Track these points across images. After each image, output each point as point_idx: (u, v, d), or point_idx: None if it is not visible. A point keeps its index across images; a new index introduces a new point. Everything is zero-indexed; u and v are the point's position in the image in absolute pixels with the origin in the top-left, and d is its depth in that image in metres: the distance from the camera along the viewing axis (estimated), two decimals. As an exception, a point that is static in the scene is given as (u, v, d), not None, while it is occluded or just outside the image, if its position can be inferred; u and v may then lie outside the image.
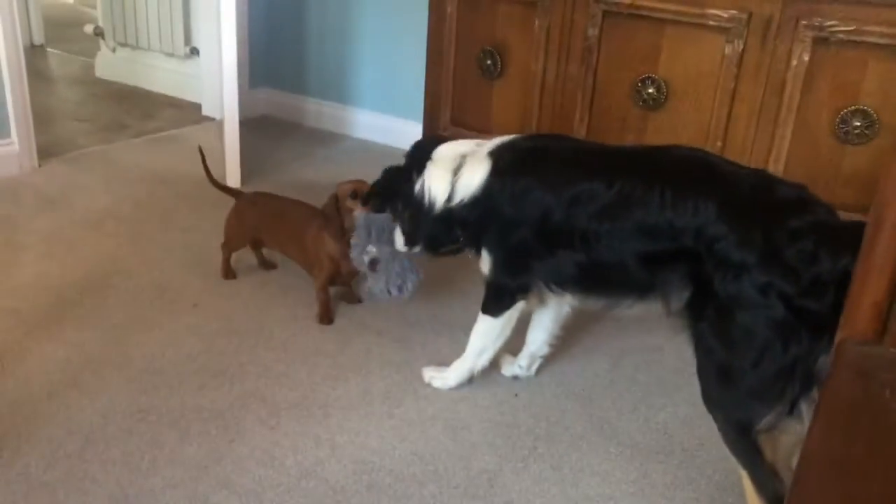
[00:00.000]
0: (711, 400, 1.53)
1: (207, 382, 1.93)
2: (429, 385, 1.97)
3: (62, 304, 2.21)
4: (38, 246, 2.53)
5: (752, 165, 2.44)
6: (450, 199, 1.81)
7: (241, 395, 1.89)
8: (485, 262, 1.85)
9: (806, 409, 1.44)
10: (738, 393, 1.47)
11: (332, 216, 2.12)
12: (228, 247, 2.40)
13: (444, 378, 1.96)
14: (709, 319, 1.49)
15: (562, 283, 1.77)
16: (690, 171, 1.61)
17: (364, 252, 1.99)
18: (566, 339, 2.12)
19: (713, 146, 2.54)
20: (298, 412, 1.85)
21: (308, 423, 1.81)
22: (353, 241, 2.03)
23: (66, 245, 2.54)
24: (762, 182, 1.56)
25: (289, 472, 1.68)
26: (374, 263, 1.98)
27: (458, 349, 2.01)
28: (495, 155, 1.80)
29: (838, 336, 1.11)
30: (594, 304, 1.82)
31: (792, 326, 1.39)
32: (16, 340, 2.03)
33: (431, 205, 1.83)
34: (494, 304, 1.87)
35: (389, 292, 1.99)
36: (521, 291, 1.83)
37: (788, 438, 1.47)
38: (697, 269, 1.51)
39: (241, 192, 2.46)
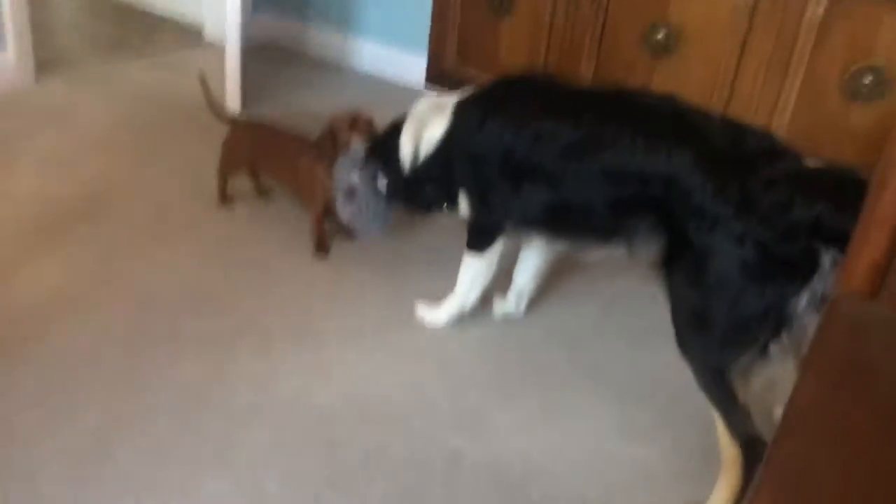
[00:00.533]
0: (686, 345, 1.56)
1: (202, 308, 1.95)
2: (421, 320, 1.99)
3: (58, 222, 2.21)
4: (35, 162, 2.51)
5: (758, 117, 2.44)
6: (416, 157, 1.86)
7: (236, 322, 1.91)
8: (462, 204, 1.87)
9: (776, 351, 1.48)
10: (713, 338, 1.51)
11: (327, 147, 2.11)
12: (223, 173, 2.39)
13: (436, 314, 1.98)
14: (683, 268, 1.52)
15: (528, 222, 1.78)
16: (662, 118, 1.61)
17: (346, 177, 1.99)
18: (558, 283, 2.14)
19: (720, 96, 2.52)
20: (291, 341, 1.87)
21: (301, 352, 1.84)
22: (338, 163, 2.02)
23: (64, 163, 2.53)
24: (734, 131, 1.57)
25: (280, 398, 1.71)
26: (351, 192, 1.99)
27: (452, 286, 2.03)
28: (459, 103, 1.82)
29: (835, 291, 1.13)
30: (561, 246, 1.84)
31: (766, 272, 1.42)
32: (12, 254, 2.04)
33: (403, 166, 1.88)
34: (476, 242, 1.89)
35: (352, 227, 2.03)
36: (498, 229, 1.85)
37: (760, 381, 1.52)
38: (669, 219, 1.52)
39: (237, 120, 2.44)
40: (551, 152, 1.65)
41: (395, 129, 1.93)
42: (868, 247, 1.08)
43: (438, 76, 3.25)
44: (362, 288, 2.10)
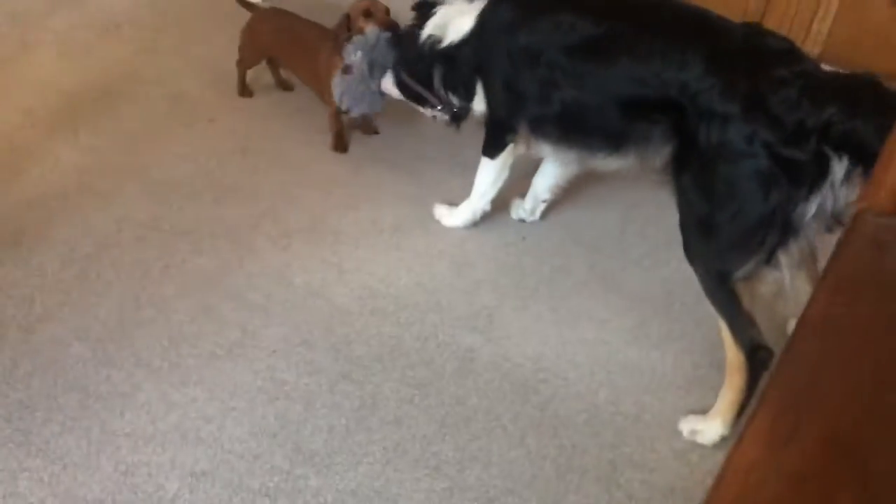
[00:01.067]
0: (692, 251, 1.55)
1: (221, 198, 1.95)
2: (438, 221, 1.98)
3: (77, 108, 2.19)
4: (52, 46, 2.48)
5: (796, 28, 2.33)
6: (435, 42, 1.82)
7: (254, 214, 1.91)
8: (480, 102, 1.84)
9: (784, 259, 1.47)
10: (719, 243, 1.50)
11: (341, 35, 2.07)
12: (243, 63, 2.35)
13: (453, 216, 1.98)
14: (692, 172, 1.49)
15: (542, 123, 1.74)
16: (683, 21, 1.57)
17: (349, 56, 1.97)
18: (578, 188, 2.11)
19: (756, 6, 2.41)
20: (309, 235, 1.88)
21: (318, 247, 1.85)
22: (347, 45, 2.00)
23: (82, 47, 2.49)
24: (752, 33, 1.52)
25: (296, 291, 1.73)
26: (347, 69, 1.97)
27: (469, 187, 2.01)
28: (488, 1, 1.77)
29: (858, 205, 1.10)
30: (569, 154, 1.80)
31: (773, 175, 1.39)
32: (30, 140, 2.04)
33: (421, 50, 1.84)
34: (490, 144, 1.87)
35: (340, 101, 2.02)
36: (511, 131, 1.82)
37: (765, 287, 1.51)
38: (681, 122, 1.49)
39: (258, 7, 2.37)
40: (568, 46, 1.61)
41: (423, 17, 1.87)
42: (894, 163, 1.05)
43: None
44: (380, 186, 2.09)
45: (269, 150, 2.15)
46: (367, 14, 2.04)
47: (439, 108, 1.92)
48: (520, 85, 1.72)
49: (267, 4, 2.44)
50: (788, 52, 1.47)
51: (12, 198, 1.84)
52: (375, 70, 1.98)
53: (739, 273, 1.48)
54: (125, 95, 2.28)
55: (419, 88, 1.93)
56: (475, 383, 1.59)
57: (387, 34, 1.98)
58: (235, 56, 2.34)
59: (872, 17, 2.29)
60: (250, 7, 2.34)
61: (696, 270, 1.56)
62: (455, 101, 1.89)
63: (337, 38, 2.07)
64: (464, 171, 2.14)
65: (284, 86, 2.44)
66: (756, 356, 1.48)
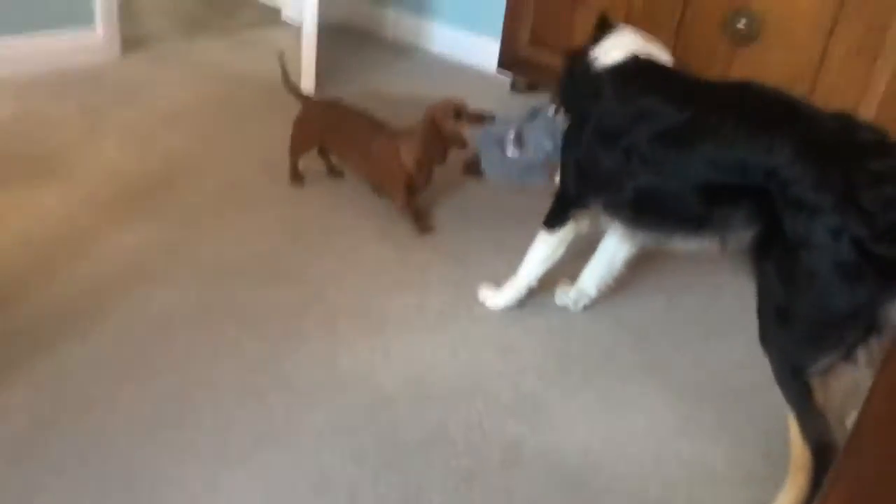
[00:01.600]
0: (768, 339, 1.51)
1: (271, 283, 1.98)
2: (483, 305, 1.99)
3: (136, 195, 2.28)
4: (116, 136, 2.60)
5: (843, 105, 2.34)
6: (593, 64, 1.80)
7: (303, 299, 1.94)
8: (557, 170, 1.87)
9: (863, 357, 1.42)
10: (797, 335, 1.46)
11: (429, 135, 2.15)
12: (294, 152, 2.42)
13: (497, 296, 1.98)
14: (774, 259, 1.46)
15: (617, 205, 1.74)
16: (770, 107, 1.56)
17: (504, 134, 2.01)
18: (625, 274, 2.10)
19: (802, 85, 2.43)
20: (356, 320, 1.90)
21: (365, 332, 1.86)
22: (485, 151, 2.06)
23: (143, 137, 2.61)
24: (844, 123, 1.49)
25: (343, 376, 1.73)
26: (518, 139, 2.00)
27: (515, 272, 2.01)
28: (623, 58, 1.78)
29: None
30: (644, 236, 1.78)
31: (859, 271, 1.35)
32: (89, 225, 2.12)
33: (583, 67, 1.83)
34: (552, 217, 1.88)
35: (519, 176, 2.04)
36: (579, 206, 1.82)
37: (841, 384, 1.45)
38: (767, 208, 1.46)
39: (310, 98, 2.46)
40: (651, 132, 1.62)
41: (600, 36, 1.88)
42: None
43: (511, 61, 3.22)
44: (427, 270, 2.11)
45: (318, 236, 2.20)
46: (458, 115, 2.11)
47: None
48: (595, 166, 1.73)
49: (317, 96, 2.53)
50: (882, 145, 1.43)
51: (66, 282, 1.90)
52: (526, 142, 2.00)
53: (815, 367, 1.43)
54: (181, 182, 2.37)
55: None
56: (522, 475, 1.56)
57: (493, 128, 2.04)
58: (288, 145, 2.42)
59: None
60: (303, 98, 2.43)
61: (770, 359, 1.51)
62: None
63: (404, 135, 2.17)
64: (510, 256, 2.15)
65: (335, 173, 2.51)
66: (823, 455, 1.42)
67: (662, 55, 1.82)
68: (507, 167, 2.05)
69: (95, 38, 3.09)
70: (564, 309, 2.02)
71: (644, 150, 1.62)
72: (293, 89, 2.43)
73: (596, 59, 1.79)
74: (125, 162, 2.45)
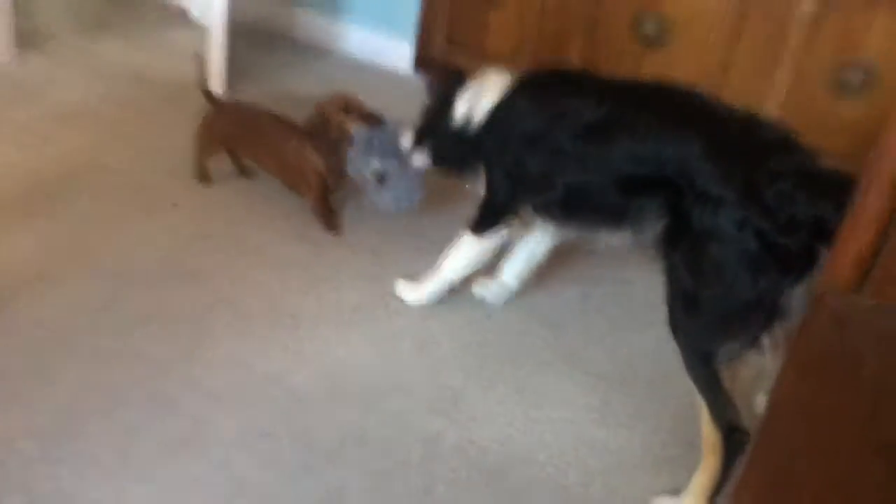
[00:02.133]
0: (677, 328, 1.55)
1: (179, 284, 1.91)
2: (400, 299, 1.97)
3: (34, 196, 2.16)
4: (11, 136, 2.46)
5: (747, 109, 2.42)
6: (467, 119, 1.84)
7: (212, 299, 1.88)
8: (481, 182, 1.86)
9: (767, 343, 1.48)
10: (704, 322, 1.51)
11: (320, 131, 2.10)
12: (202, 151, 2.35)
13: (416, 292, 1.96)
14: (682, 250, 1.51)
15: (548, 205, 1.76)
16: (682, 104, 1.63)
17: (368, 166, 1.98)
18: (540, 267, 2.12)
19: (709, 87, 2.49)
20: (268, 319, 1.85)
21: (277, 331, 1.81)
22: (351, 154, 2.01)
23: (42, 138, 2.48)
24: (750, 122, 1.57)
25: (255, 378, 1.68)
26: (381, 178, 1.98)
27: (432, 266, 2.00)
28: (514, 81, 1.82)
29: (819, 284, 1.11)
30: (572, 232, 1.84)
31: (762, 261, 1.41)
32: (-15, 229, 2.00)
33: (452, 122, 1.86)
34: (483, 223, 1.86)
35: (398, 206, 2.01)
36: (511, 213, 1.83)
37: (748, 370, 1.52)
38: (676, 201, 1.52)
39: (219, 100, 2.39)
40: (573, 130, 1.66)
41: (448, 95, 1.90)
42: (854, 240, 1.07)
43: (426, 62, 3.21)
44: (341, 267, 2.07)
45: (229, 235, 2.13)
46: (346, 109, 2.07)
47: (467, 185, 1.94)
48: (524, 172, 1.75)
49: (228, 98, 2.46)
50: (785, 142, 1.51)
51: (-39, 287, 1.79)
52: (391, 162, 1.98)
53: (723, 354, 1.49)
54: (84, 184, 2.26)
55: (450, 170, 1.97)
56: (442, 470, 1.55)
57: (374, 129, 2.01)
58: (195, 144, 2.35)
59: (816, 103, 2.39)
60: (213, 100, 2.36)
61: (679, 347, 1.56)
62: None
63: (312, 131, 2.11)
64: (428, 250, 2.14)
65: (246, 173, 2.44)
66: (733, 438, 1.47)
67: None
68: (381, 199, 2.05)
69: (-13, 35, 2.93)
70: (481, 302, 2.02)
71: (568, 147, 1.67)
72: (205, 91, 2.36)
73: (475, 107, 1.82)
74: (21, 163, 2.32)
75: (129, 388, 1.61)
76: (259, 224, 2.21)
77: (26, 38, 3.14)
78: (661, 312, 2.03)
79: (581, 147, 1.66)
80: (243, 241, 2.12)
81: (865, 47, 2.29)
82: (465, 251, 1.90)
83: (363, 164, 2.00)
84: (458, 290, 2.00)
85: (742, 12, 2.44)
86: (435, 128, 1.93)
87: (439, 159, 1.96)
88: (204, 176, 2.36)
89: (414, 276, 2.01)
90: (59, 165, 2.34)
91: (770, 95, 2.45)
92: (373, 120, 2.06)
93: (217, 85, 2.94)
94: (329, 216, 2.21)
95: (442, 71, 2.06)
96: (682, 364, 1.53)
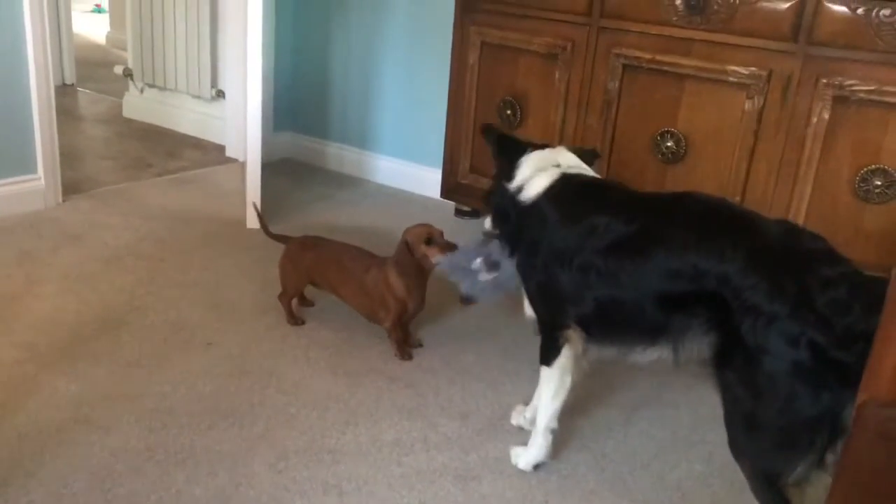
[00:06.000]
0: (738, 449, 1.51)
1: (217, 423, 1.92)
2: (516, 465, 1.86)
3: (77, 340, 2.22)
4: (56, 281, 2.55)
5: (782, 218, 2.44)
6: (518, 193, 1.84)
7: (251, 438, 1.88)
8: (525, 300, 1.86)
9: (832, 460, 1.41)
10: (766, 442, 1.46)
11: (405, 259, 2.18)
12: (287, 295, 2.41)
13: (530, 453, 1.86)
14: (736, 367, 1.47)
15: (582, 322, 1.74)
16: (715, 214, 1.62)
17: (474, 259, 1.99)
18: (579, 391, 2.08)
19: (732, 199, 2.54)
20: (307, 457, 1.83)
21: (316, 469, 1.79)
22: (453, 259, 2.06)
23: (85, 281, 2.56)
24: (787, 229, 1.56)
25: (295, 518, 1.65)
26: (492, 263, 1.96)
27: (470, 397, 1.99)
28: (558, 177, 1.83)
29: (859, 398, 1.09)
30: (607, 350, 1.78)
31: (821, 376, 1.37)
32: (28, 375, 2.04)
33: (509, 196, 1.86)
34: (544, 350, 1.82)
35: (508, 285, 1.97)
36: (562, 329, 1.77)
37: (815, 489, 1.45)
38: (722, 316, 1.48)
39: (292, 238, 2.46)
40: (604, 245, 1.64)
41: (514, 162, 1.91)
42: (890, 350, 1.06)
43: (453, 189, 3.31)
44: (379, 399, 2.07)
45: (266, 370, 2.15)
46: (428, 241, 2.15)
47: None
48: (555, 286, 1.74)
49: (298, 235, 2.51)
50: (827, 252, 1.49)
51: (4, 434, 1.81)
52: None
53: (790, 477, 1.43)
54: (125, 325, 2.32)
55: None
56: None
57: (457, 254, 2.06)
58: (237, 280, 2.41)
59: (840, 211, 2.40)
60: (285, 239, 2.44)
61: (742, 468, 1.51)
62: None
63: (397, 262, 2.20)
64: (463, 379, 2.14)
65: (306, 303, 2.50)
66: None
67: (583, 166, 1.90)
68: (485, 289, 2.05)
69: (37, 185, 3.09)
70: (520, 430, 1.99)
71: (599, 264, 1.65)
72: (273, 234, 2.45)
73: (521, 189, 1.84)
74: (65, 308, 2.39)
75: (168, 535, 1.58)
76: (296, 357, 2.23)
77: (72, 186, 3.30)
78: (707, 432, 2.00)
79: (613, 263, 1.63)
80: (281, 377, 2.13)
81: (883, 154, 2.32)
82: (546, 387, 1.83)
83: (466, 260, 2.00)
84: (497, 422, 1.97)
85: (758, 126, 2.49)
86: (499, 203, 1.92)
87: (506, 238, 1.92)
88: (293, 316, 2.41)
89: (452, 408, 1.98)
90: (100, 307, 2.40)
91: (793, 207, 2.48)
92: (451, 248, 2.12)
93: (254, 219, 3.04)
94: (403, 342, 2.26)
95: (501, 134, 2.06)
96: (734, 489, 1.48)
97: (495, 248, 1.96)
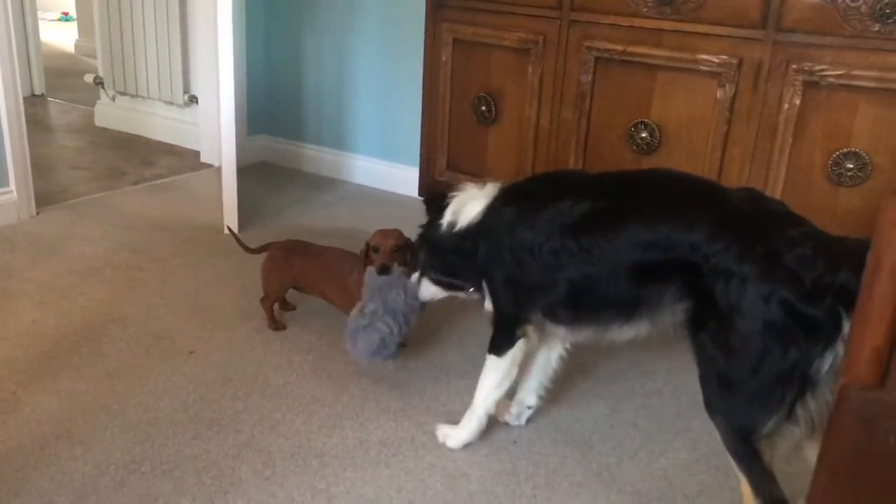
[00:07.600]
0: (713, 407, 1.55)
1: (202, 432, 1.90)
2: (438, 439, 1.92)
3: (57, 353, 2.19)
4: (33, 294, 2.52)
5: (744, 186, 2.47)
6: (452, 226, 1.87)
7: (236, 445, 1.87)
8: (487, 296, 1.87)
9: (802, 414, 1.46)
10: (740, 400, 1.50)
11: (367, 261, 2.17)
12: (269, 299, 2.39)
13: (458, 433, 1.90)
14: (710, 329, 1.51)
15: (554, 305, 1.75)
16: (684, 186, 1.67)
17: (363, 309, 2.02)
18: (564, 384, 2.10)
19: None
20: (294, 462, 1.82)
21: (304, 473, 1.79)
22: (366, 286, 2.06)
23: (62, 293, 2.53)
24: (752, 197, 1.62)
25: (284, 524, 1.65)
26: (372, 317, 1.99)
27: (455, 395, 1.99)
28: (499, 190, 1.86)
29: (840, 381, 1.10)
30: (585, 332, 1.79)
31: (790, 332, 1.41)
32: (8, 391, 2.02)
33: (441, 234, 1.89)
34: (501, 341, 1.85)
35: (378, 351, 2.01)
36: (523, 323, 1.81)
37: (785, 442, 1.49)
38: (695, 281, 1.52)
39: (274, 243, 2.44)
40: (574, 224, 1.66)
41: (438, 209, 1.93)
42: (868, 333, 1.07)
43: (431, 187, 3.31)
44: (365, 401, 2.06)
45: (249, 376, 2.14)
46: (376, 248, 2.13)
47: (471, 289, 1.93)
48: (525, 277, 1.75)
49: (280, 240, 2.49)
50: (789, 215, 1.55)
51: (-13, 453, 1.79)
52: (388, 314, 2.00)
53: (763, 431, 1.47)
54: (105, 336, 2.30)
55: (451, 280, 1.96)
56: None
57: (379, 277, 2.04)
58: (216, 287, 2.39)
59: (814, 195, 2.44)
60: (267, 247, 2.42)
61: (716, 426, 1.55)
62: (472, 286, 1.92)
63: (365, 265, 2.18)
64: (447, 377, 2.14)
65: (287, 307, 2.49)
66: None
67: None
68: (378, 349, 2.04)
69: (9, 199, 3.05)
70: (507, 427, 1.99)
71: (570, 243, 1.66)
72: (253, 249, 2.43)
73: (456, 219, 1.86)
74: (43, 320, 2.36)
75: (156, 547, 1.57)
76: (279, 362, 2.22)
77: (46, 198, 3.26)
78: (691, 419, 2.02)
79: (584, 239, 1.64)
80: (265, 382, 2.12)
81: (853, 138, 2.35)
82: (493, 376, 1.87)
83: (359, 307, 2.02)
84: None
85: (730, 114, 2.51)
86: (429, 243, 1.95)
87: (438, 276, 1.96)
88: (275, 322, 2.39)
89: (438, 407, 1.99)
90: (79, 320, 2.38)
91: (767, 191, 2.50)
92: (386, 267, 2.07)
93: (231, 224, 3.03)
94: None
95: (430, 192, 2.08)
96: (720, 477, 1.49)
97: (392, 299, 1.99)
